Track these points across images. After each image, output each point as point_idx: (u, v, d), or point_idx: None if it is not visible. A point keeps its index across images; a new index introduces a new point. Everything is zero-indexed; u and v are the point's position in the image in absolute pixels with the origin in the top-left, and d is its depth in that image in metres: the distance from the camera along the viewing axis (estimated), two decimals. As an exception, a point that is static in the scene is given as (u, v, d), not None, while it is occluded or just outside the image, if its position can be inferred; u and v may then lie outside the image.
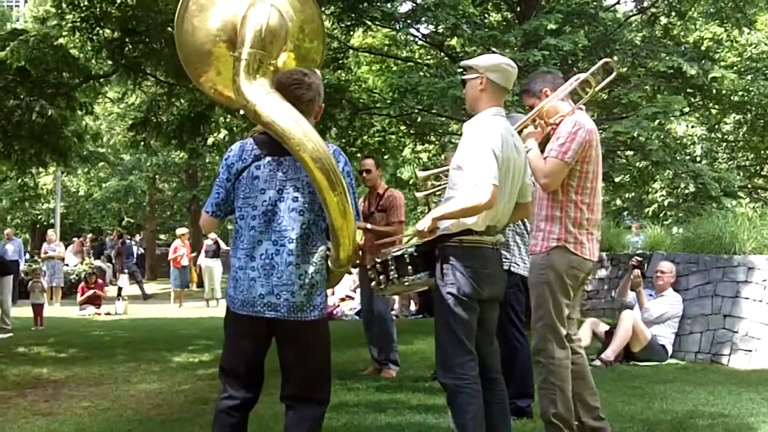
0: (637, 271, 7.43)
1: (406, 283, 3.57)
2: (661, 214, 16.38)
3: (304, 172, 3.04)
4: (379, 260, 3.63)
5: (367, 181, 6.59)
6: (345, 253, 3.13)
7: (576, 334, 4.13)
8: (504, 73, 3.51)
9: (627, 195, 17.84)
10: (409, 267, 3.50)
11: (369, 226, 6.27)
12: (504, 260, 4.05)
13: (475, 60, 3.60)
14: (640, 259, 7.73)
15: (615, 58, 10.88)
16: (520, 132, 4.01)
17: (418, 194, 4.44)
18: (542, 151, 3.90)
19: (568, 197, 3.87)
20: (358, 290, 12.29)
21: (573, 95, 4.13)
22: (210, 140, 11.66)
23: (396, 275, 3.53)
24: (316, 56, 3.73)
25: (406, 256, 3.51)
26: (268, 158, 3.08)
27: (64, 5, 8.48)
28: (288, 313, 3.01)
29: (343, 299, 13.09)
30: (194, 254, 18.43)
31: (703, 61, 10.39)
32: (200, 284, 18.45)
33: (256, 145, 3.12)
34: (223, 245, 17.75)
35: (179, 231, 17.70)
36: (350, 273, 3.81)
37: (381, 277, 3.59)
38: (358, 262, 3.47)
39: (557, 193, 3.88)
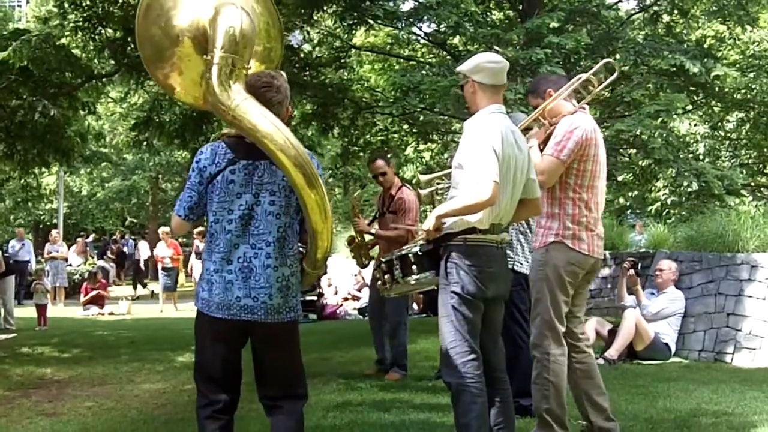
0: (631, 272, 7.45)
1: (412, 283, 3.58)
2: (664, 213, 16.34)
3: (280, 176, 3.05)
4: (384, 260, 3.63)
5: (385, 183, 6.46)
6: (322, 254, 3.17)
7: (584, 333, 4.14)
8: (486, 71, 3.50)
9: (630, 193, 17.79)
10: (414, 266, 3.52)
11: (374, 230, 6.33)
12: (508, 259, 4.04)
13: (461, 66, 3.62)
14: (632, 260, 7.74)
15: (617, 56, 10.87)
16: (524, 131, 4.03)
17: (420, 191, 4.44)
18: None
19: (565, 194, 3.91)
20: (364, 290, 12.32)
21: (576, 95, 4.16)
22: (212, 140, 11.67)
23: (401, 275, 3.54)
24: (276, 57, 3.66)
25: (410, 255, 3.52)
26: (243, 162, 3.07)
27: (66, 5, 8.49)
28: (265, 316, 3.04)
29: (346, 298, 13.09)
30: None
31: (705, 59, 10.36)
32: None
33: (229, 149, 3.09)
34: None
35: (161, 230, 17.06)
36: (324, 274, 3.82)
37: (386, 276, 3.60)
38: (367, 262, 3.47)
39: (555, 191, 3.93)
